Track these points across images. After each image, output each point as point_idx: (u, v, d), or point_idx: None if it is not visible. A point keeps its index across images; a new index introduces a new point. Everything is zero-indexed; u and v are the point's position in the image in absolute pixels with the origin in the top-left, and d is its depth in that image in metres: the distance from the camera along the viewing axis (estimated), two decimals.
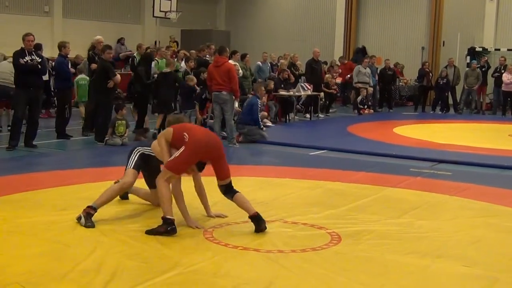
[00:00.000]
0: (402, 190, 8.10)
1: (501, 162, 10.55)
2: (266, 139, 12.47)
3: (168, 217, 5.75)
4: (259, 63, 18.05)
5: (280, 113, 16.48)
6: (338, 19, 25.43)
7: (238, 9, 28.02)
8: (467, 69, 20.86)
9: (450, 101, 20.90)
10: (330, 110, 19.30)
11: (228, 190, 6.16)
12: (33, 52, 10.82)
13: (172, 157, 5.92)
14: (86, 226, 5.87)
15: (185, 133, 5.98)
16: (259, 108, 12.96)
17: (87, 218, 5.95)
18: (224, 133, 12.28)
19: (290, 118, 16.70)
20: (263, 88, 13.74)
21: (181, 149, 5.89)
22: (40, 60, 10.82)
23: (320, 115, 18.16)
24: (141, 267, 4.82)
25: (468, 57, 21.92)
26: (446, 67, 21.05)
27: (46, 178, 8.22)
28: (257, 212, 6.01)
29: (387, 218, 6.60)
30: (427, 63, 21.51)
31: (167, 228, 5.70)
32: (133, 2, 24.67)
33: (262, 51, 19.14)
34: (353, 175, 9.07)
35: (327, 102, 19.09)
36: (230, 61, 13.10)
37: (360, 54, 24.06)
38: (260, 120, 12.79)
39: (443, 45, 23.56)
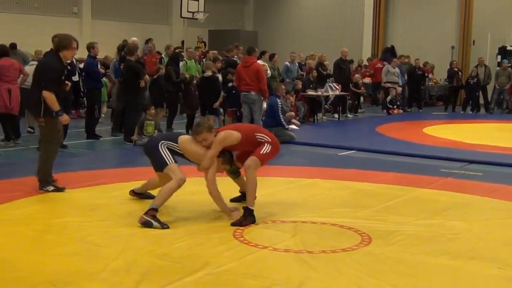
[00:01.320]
0: (432, 191, 8.01)
1: None
2: (294, 139, 12.42)
3: (252, 208, 6.24)
4: (287, 63, 18.00)
5: (309, 113, 16.44)
6: (367, 18, 25.32)
7: (266, 9, 28.04)
8: (498, 68, 20.62)
9: (481, 100, 20.68)
10: (359, 110, 19.21)
11: (237, 172, 6.85)
12: None
13: (263, 152, 6.40)
14: (163, 227, 5.87)
15: (259, 134, 6.54)
16: (280, 108, 12.85)
17: (158, 220, 5.94)
18: None
19: (318, 118, 16.65)
20: (283, 87, 13.71)
21: (268, 147, 6.45)
22: (69, 61, 10.92)
23: (348, 115, 18.09)
24: (171, 267, 4.82)
25: (499, 56, 21.67)
26: (476, 66, 20.83)
27: (76, 178, 8.28)
28: None
29: (418, 219, 6.53)
30: (455, 62, 21.30)
31: (253, 220, 6.17)
32: (161, 3, 24.82)
33: (290, 51, 19.09)
34: (382, 175, 9.00)
35: (356, 102, 19.01)
36: (259, 62, 13.12)
37: (389, 54, 23.92)
38: (283, 120, 12.71)
39: (473, 44, 23.32)
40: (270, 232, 5.95)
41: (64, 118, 7.40)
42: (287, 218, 6.43)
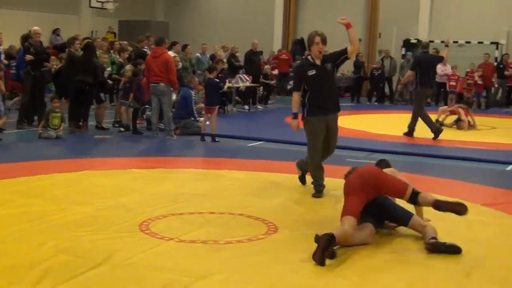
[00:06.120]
0: (339, 180, 8.12)
1: (434, 152, 10.88)
2: (203, 131, 12.41)
3: None
4: (198, 54, 17.98)
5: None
6: (277, 10, 25.55)
7: None
8: (402, 60, 21.30)
9: (387, 91, 21.30)
10: (269, 102, 19.41)
11: (414, 201, 5.73)
12: None
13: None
14: None
15: None
16: (194, 100, 12.91)
17: None
18: (161, 125, 12.21)
19: (228, 109, 16.70)
20: (196, 79, 13.70)
21: None
22: None
23: (258, 106, 18.24)
24: (74, 261, 4.74)
25: (403, 49, 22.38)
26: (382, 58, 21.43)
27: None
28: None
29: (324, 208, 6.70)
30: (361, 54, 21.81)
31: None
32: None
33: (202, 42, 19.06)
34: (290, 166, 9.12)
35: (265, 93, 19.20)
36: (170, 52, 13.04)
37: (299, 46, 24.24)
38: (195, 112, 12.76)
39: (379, 36, 23.97)
40: (177, 224, 5.94)
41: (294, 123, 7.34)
42: (195, 210, 6.44)
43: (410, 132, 12.68)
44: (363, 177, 5.71)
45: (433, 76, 13.07)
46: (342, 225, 5.35)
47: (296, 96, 7.26)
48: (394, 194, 5.77)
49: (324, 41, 7.17)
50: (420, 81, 12.46)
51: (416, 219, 5.67)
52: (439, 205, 5.55)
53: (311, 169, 7.48)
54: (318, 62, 7.19)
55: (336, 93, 7.46)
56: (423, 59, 12.72)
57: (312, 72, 7.13)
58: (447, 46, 13.13)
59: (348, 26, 7.17)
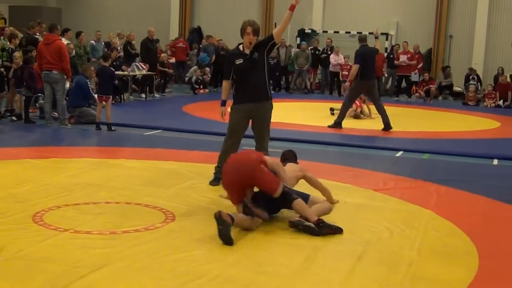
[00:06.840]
0: None
1: (326, 139, 11.23)
2: (98, 119, 12.20)
3: None
4: (92, 42, 17.64)
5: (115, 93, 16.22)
6: None
7: None
8: (297, 50, 21.69)
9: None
10: (166, 90, 19.30)
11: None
12: None
13: None
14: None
15: None
16: (91, 88, 12.71)
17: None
18: (55, 113, 11.92)
19: (124, 98, 16.48)
20: (92, 69, 13.47)
21: None
22: None
23: (156, 95, 18.10)
24: None
25: (298, 39, 22.79)
26: (277, 48, 21.72)
27: None
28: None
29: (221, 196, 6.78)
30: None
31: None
32: None
33: (96, 29, 18.71)
34: (187, 154, 9.18)
35: (162, 82, 19.08)
36: (63, 40, 12.73)
37: (196, 34, 24.26)
38: (97, 99, 12.56)
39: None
40: (72, 215, 5.83)
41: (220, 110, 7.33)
42: (90, 200, 6.36)
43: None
44: (240, 169, 5.71)
45: (373, 68, 13.12)
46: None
47: (225, 84, 7.30)
48: (266, 190, 5.78)
49: (255, 32, 7.11)
50: (362, 74, 12.48)
51: (298, 203, 5.76)
52: (321, 226, 5.57)
53: (219, 156, 7.44)
54: (247, 51, 7.12)
55: (265, 81, 7.29)
56: (366, 52, 12.75)
57: (239, 61, 7.09)
58: (377, 37, 13.42)
59: (292, 8, 7.29)
